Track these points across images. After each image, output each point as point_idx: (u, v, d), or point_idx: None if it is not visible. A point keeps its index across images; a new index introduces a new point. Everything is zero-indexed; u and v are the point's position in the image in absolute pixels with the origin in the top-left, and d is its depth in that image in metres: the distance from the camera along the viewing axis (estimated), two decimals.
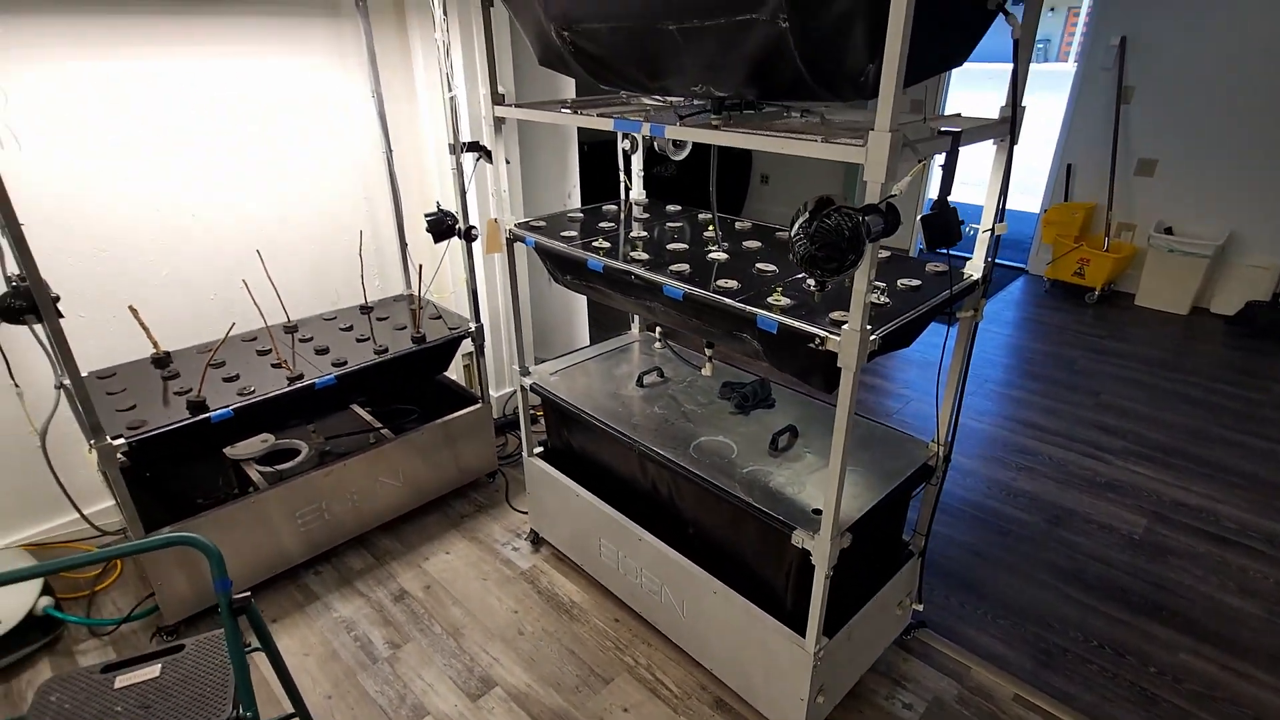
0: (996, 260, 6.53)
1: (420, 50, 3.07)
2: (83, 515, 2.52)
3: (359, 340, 2.83)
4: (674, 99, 2.08)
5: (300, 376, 2.52)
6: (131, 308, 2.53)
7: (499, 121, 2.15)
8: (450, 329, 2.94)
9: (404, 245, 3.28)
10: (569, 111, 2.00)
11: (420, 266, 3.23)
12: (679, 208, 2.61)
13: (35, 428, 2.41)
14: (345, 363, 2.62)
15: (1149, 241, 5.24)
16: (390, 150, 3.07)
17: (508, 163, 2.69)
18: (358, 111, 3.05)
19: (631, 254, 2.04)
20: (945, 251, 1.55)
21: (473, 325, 2.95)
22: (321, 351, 2.72)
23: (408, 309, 3.11)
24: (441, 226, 2.86)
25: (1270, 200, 4.89)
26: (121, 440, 2.10)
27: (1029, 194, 9.99)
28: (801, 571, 1.79)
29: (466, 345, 3.01)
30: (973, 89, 17.04)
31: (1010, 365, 4.41)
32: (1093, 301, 5.41)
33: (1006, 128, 1.63)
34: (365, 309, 3.15)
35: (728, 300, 1.68)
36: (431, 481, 3.02)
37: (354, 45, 2.95)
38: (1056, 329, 4.97)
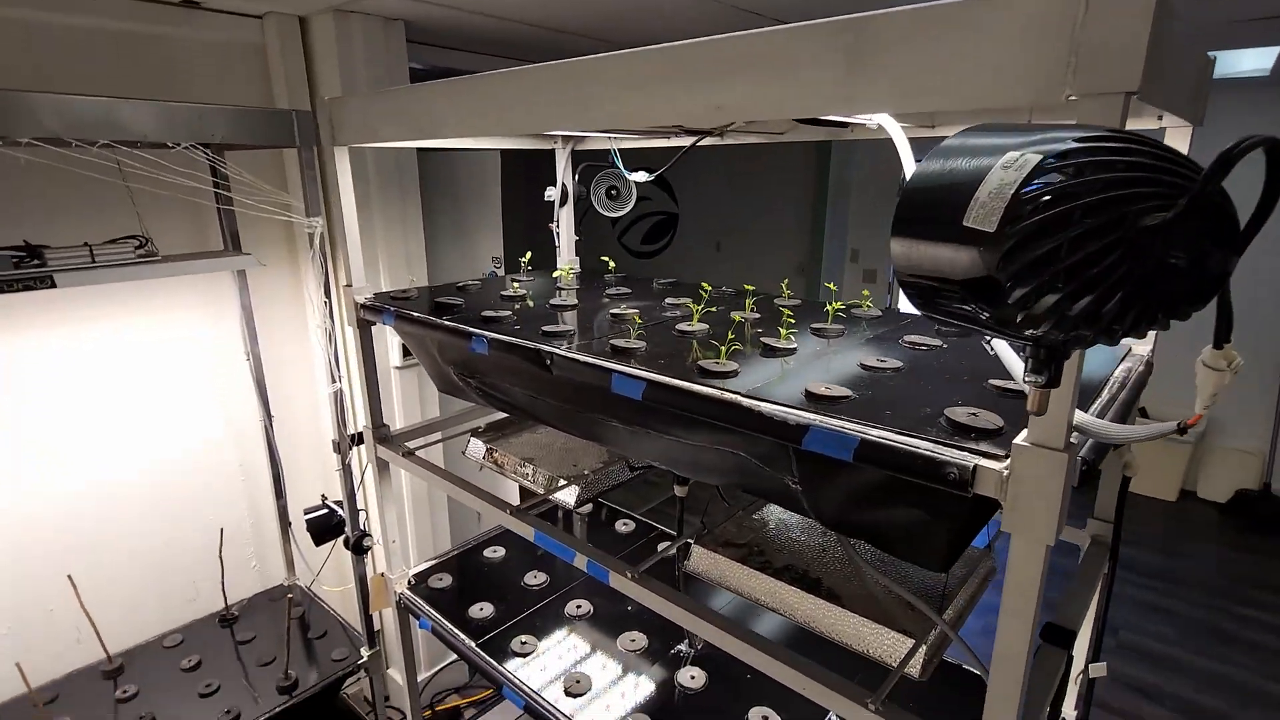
0: None
1: (314, 305, 2.54)
2: None
3: (203, 694, 2.08)
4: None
5: None
6: None
7: (382, 464, 1.57)
8: (335, 660, 2.22)
9: (286, 525, 2.61)
10: (482, 459, 1.44)
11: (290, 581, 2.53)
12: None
13: None
14: None
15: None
16: (270, 417, 2.46)
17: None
18: (236, 373, 2.45)
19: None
20: None
21: (365, 653, 2.24)
22: None
23: (284, 617, 2.39)
24: (326, 527, 2.22)
25: (1248, 381, 4.70)
26: None
27: None
28: None
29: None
30: None
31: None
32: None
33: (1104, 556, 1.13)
34: (226, 620, 2.42)
35: None
36: None
37: (230, 293, 2.40)
38: None
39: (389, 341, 2.50)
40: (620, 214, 1.95)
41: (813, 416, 0.76)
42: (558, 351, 1.04)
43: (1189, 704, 3.04)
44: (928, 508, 0.77)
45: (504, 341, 1.12)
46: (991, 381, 0.88)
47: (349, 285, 1.47)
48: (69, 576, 2.10)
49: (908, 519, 0.80)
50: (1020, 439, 0.62)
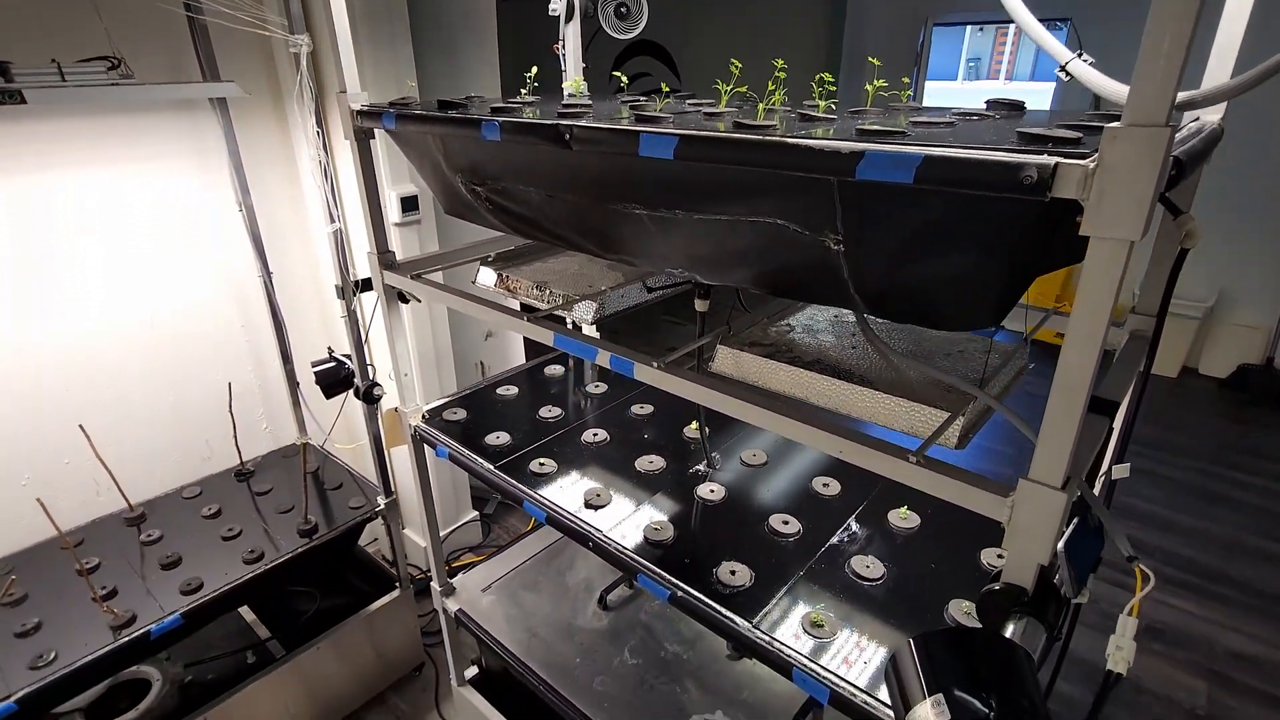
0: None
1: (305, 148, 2.41)
2: None
3: (225, 537, 2.14)
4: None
5: (131, 620, 1.81)
6: None
7: (390, 290, 1.52)
8: (352, 508, 2.27)
9: (294, 385, 2.60)
10: (494, 286, 1.39)
11: (304, 434, 2.54)
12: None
13: None
14: (200, 586, 1.93)
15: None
16: (269, 273, 2.39)
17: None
18: (230, 225, 2.36)
19: (587, 492, 1.43)
20: None
21: (382, 501, 2.29)
22: (170, 564, 2.02)
23: (299, 471, 2.42)
24: (335, 379, 2.21)
25: (1260, 257, 4.61)
26: None
27: None
28: None
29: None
30: None
31: (980, 450, 3.94)
32: None
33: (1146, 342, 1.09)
34: (241, 474, 2.45)
35: None
36: (338, 699, 2.34)
37: (218, 144, 2.26)
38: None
39: (386, 196, 2.40)
40: (631, 36, 1.80)
41: (867, 144, 0.69)
42: (578, 124, 0.96)
43: (1177, 557, 3.16)
44: (987, 243, 0.72)
45: (518, 123, 1.03)
46: (1058, 125, 0.81)
47: (343, 92, 1.36)
48: (80, 426, 2.10)
49: (962, 266, 0.75)
50: (1112, 126, 0.56)
